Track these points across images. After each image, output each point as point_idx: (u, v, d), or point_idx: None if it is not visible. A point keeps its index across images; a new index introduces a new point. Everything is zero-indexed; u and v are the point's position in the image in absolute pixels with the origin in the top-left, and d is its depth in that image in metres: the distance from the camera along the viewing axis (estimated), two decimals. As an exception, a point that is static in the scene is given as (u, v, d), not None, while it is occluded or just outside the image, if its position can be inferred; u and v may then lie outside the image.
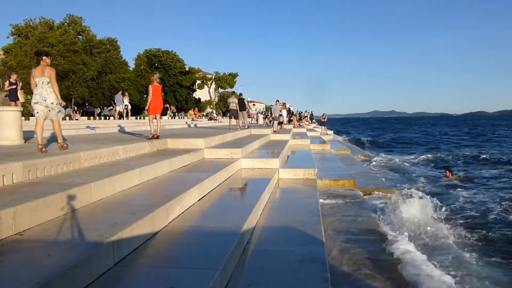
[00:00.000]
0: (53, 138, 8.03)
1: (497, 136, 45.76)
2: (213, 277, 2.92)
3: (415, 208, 8.42)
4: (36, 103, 5.94)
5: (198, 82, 60.80)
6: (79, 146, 6.72)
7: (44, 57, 6.04)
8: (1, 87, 32.86)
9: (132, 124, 19.78)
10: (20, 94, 13.60)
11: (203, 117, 44.03)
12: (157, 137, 9.00)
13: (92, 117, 28.71)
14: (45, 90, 5.94)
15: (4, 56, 33.69)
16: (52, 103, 5.99)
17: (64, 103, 6.41)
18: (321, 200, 7.53)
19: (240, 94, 18.26)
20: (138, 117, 31.49)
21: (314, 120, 53.89)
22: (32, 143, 7.62)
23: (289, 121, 30.60)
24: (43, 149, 5.69)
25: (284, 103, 24.22)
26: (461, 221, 8.75)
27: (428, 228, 7.50)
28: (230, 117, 17.35)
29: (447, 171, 15.85)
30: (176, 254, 3.54)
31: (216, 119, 40.33)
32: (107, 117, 28.07)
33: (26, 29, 34.55)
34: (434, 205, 8.90)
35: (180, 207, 4.70)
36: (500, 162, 20.33)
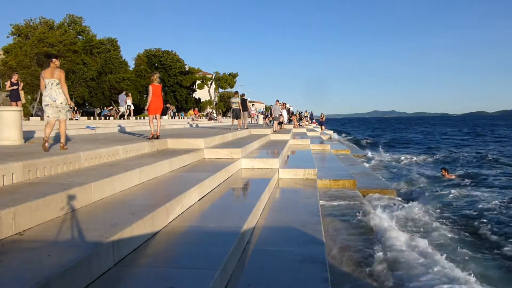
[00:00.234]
0: (56, 138, 8.04)
1: (496, 136, 45.77)
2: (213, 277, 2.93)
3: (411, 209, 8.57)
4: (47, 105, 6.18)
5: (198, 82, 60.78)
6: (79, 146, 6.72)
7: (53, 59, 6.26)
8: (1, 87, 32.86)
9: (132, 124, 19.78)
10: (21, 95, 13.63)
11: (203, 117, 44.04)
12: (157, 137, 9.00)
13: (92, 117, 28.70)
14: (54, 91, 6.16)
15: (4, 56, 33.68)
16: (61, 103, 6.23)
17: (73, 104, 6.57)
18: (321, 200, 7.53)
19: (243, 95, 18.26)
20: (138, 117, 31.48)
21: (314, 120, 53.92)
22: (32, 143, 7.62)
23: (289, 121, 30.61)
24: (46, 144, 5.86)
25: (284, 103, 24.24)
26: (456, 218, 8.83)
27: (422, 226, 7.64)
28: (233, 117, 17.38)
29: (443, 170, 15.85)
30: (176, 254, 3.55)
31: (216, 119, 40.34)
32: (107, 117, 28.07)
33: (26, 29, 34.52)
34: (426, 207, 9.14)
35: (180, 207, 4.70)
36: (498, 162, 20.35)
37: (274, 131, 18.36)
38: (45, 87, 6.17)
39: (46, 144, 5.89)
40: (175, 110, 42.46)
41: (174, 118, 35.86)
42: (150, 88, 9.05)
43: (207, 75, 63.44)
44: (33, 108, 31.12)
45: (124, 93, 27.11)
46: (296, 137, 19.47)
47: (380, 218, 6.99)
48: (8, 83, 14.04)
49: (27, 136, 8.07)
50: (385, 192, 10.25)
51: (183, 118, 38.38)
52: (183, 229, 4.18)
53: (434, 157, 23.12)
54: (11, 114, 7.34)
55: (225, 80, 61.99)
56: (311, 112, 51.55)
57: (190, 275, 2.97)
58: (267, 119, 28.69)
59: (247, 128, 17.13)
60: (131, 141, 8.10)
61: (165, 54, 55.40)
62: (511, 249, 6.70)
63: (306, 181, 8.53)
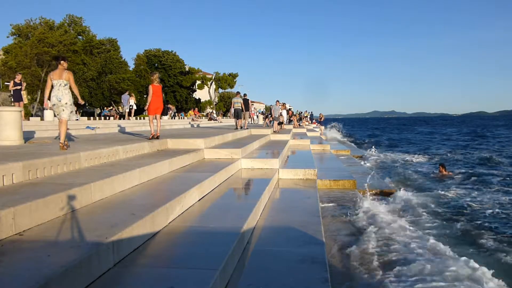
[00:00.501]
0: (68, 138, 8.10)
1: (496, 136, 45.78)
2: (213, 277, 2.93)
3: (411, 208, 8.73)
4: (54, 105, 6.43)
5: (198, 82, 60.77)
6: (79, 146, 6.72)
7: (62, 61, 6.46)
8: (1, 87, 32.84)
9: (132, 124, 19.78)
10: (24, 95, 13.65)
11: (203, 117, 44.04)
12: (157, 137, 9.00)
13: (92, 117, 28.70)
14: (61, 91, 6.38)
15: (4, 56, 33.67)
16: (66, 103, 6.43)
17: (83, 102, 7.03)
18: (321, 201, 7.53)
19: (245, 95, 18.28)
20: (138, 117, 31.47)
21: (314, 120, 53.89)
22: (32, 143, 7.63)
23: (289, 121, 30.62)
24: (64, 146, 6.18)
25: (284, 104, 24.25)
26: (452, 216, 8.96)
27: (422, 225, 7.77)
28: (235, 117, 17.39)
29: (440, 166, 15.94)
30: (176, 254, 3.55)
31: (216, 119, 40.34)
32: (107, 117, 28.07)
33: (26, 29, 34.51)
34: (425, 205, 9.39)
35: (180, 207, 4.70)
36: (497, 162, 20.40)
37: (274, 131, 18.37)
38: (53, 88, 6.39)
39: (64, 146, 6.21)
40: (175, 111, 42.45)
41: (174, 119, 35.86)
42: (150, 88, 9.05)
43: (207, 75, 63.43)
44: (33, 108, 31.11)
45: (127, 93, 27.16)
46: (296, 137, 19.47)
47: (380, 217, 6.99)
48: (11, 83, 14.06)
49: (27, 136, 8.06)
50: (385, 192, 10.26)
51: (183, 118, 38.38)
52: (183, 229, 4.18)
53: (433, 156, 23.20)
54: (11, 114, 7.34)
55: (225, 80, 61.99)
56: (311, 112, 51.58)
57: (190, 275, 2.97)
58: (267, 119, 28.70)
59: (247, 128, 17.14)
60: (131, 141, 8.10)
61: (165, 54, 55.37)
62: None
63: (306, 182, 8.53)
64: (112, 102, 41.36)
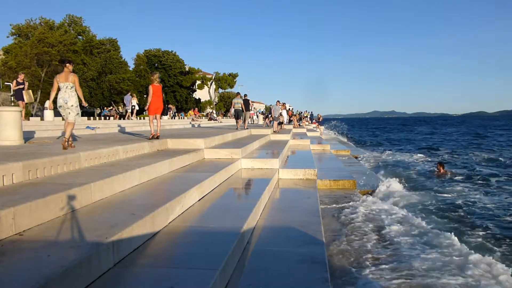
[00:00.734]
0: (73, 138, 8.12)
1: (496, 136, 45.78)
2: (213, 277, 2.93)
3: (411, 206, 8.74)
4: (60, 106, 6.59)
5: (198, 82, 60.77)
6: (79, 147, 6.72)
7: (67, 64, 6.62)
8: (1, 87, 32.83)
9: (132, 124, 19.77)
10: (25, 95, 13.63)
11: (203, 117, 44.02)
12: (157, 138, 9.00)
13: (92, 117, 28.70)
14: (67, 94, 6.54)
15: (4, 56, 33.67)
16: (72, 105, 6.60)
17: (86, 104, 7.12)
18: (321, 201, 7.53)
19: (245, 95, 18.30)
20: (138, 117, 31.47)
21: (314, 121, 53.84)
22: (32, 143, 7.63)
23: (289, 121, 30.63)
24: (71, 144, 6.41)
25: (284, 104, 24.25)
26: (451, 215, 9.03)
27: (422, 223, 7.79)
28: (235, 117, 17.41)
29: (439, 164, 15.97)
30: (176, 254, 3.55)
31: (216, 119, 40.33)
32: (107, 117, 28.07)
33: (27, 29, 34.52)
34: (425, 204, 9.47)
35: (180, 207, 4.70)
36: (496, 161, 20.43)
37: (274, 131, 18.37)
38: (59, 90, 6.55)
39: (66, 143, 6.31)
40: (175, 110, 42.46)
41: (174, 118, 35.87)
42: (150, 88, 9.05)
43: (207, 75, 63.44)
44: (33, 108, 31.11)
45: (129, 93, 27.23)
46: (296, 137, 19.47)
47: (380, 217, 6.99)
48: (14, 83, 14.08)
49: (27, 136, 8.07)
50: (384, 192, 10.25)
51: (183, 118, 38.37)
52: (183, 229, 4.18)
53: (433, 156, 23.23)
54: (11, 114, 7.34)
55: (225, 80, 61.99)
56: (311, 112, 51.53)
57: (190, 275, 2.97)
58: (267, 119, 28.70)
59: (247, 128, 17.14)
60: (131, 142, 8.10)
61: (165, 54, 55.38)
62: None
63: (306, 182, 8.53)
64: (112, 102, 41.38)
